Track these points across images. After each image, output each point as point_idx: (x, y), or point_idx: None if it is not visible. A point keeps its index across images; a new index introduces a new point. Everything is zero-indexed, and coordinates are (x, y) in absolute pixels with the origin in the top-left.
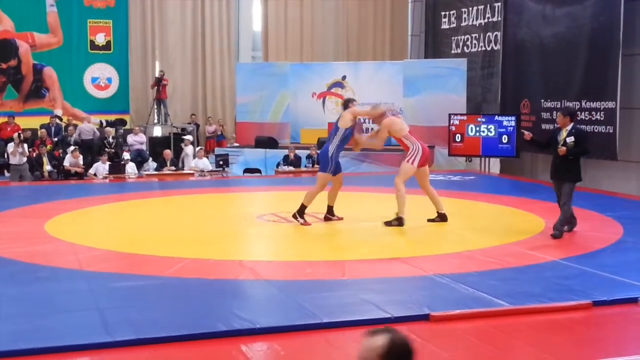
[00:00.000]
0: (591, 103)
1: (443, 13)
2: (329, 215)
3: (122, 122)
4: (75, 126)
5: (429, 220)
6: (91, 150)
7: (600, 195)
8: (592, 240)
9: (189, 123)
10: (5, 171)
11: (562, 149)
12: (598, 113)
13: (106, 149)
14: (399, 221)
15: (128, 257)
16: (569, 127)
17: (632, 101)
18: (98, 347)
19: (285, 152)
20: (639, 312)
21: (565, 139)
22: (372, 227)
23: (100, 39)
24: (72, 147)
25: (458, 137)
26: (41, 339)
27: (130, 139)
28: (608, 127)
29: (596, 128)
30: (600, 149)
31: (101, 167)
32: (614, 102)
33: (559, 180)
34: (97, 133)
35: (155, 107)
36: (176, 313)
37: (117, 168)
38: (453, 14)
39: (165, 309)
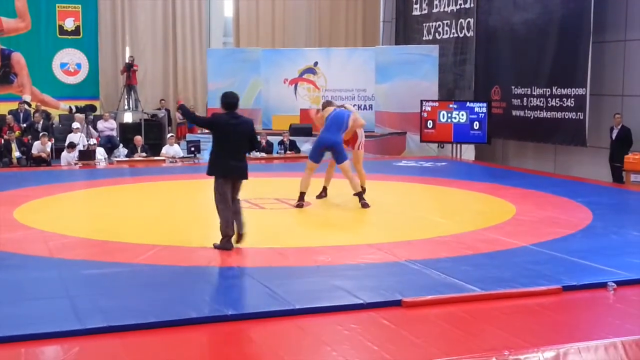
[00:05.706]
0: (561, 90)
1: None
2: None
3: (92, 108)
4: (44, 112)
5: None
6: (113, 143)
7: (570, 181)
8: (562, 226)
9: (159, 109)
10: None
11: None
12: (568, 100)
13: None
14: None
15: (99, 244)
16: None
17: (602, 88)
18: (69, 334)
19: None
20: (608, 297)
21: None
22: (344, 213)
23: (69, 23)
24: (41, 133)
25: (430, 124)
26: (11, 326)
27: (101, 125)
28: (578, 113)
29: (566, 115)
30: (570, 135)
31: (68, 157)
32: (584, 89)
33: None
34: (117, 129)
35: (126, 93)
36: (147, 300)
37: (86, 155)
38: (424, 0)
39: (137, 296)
